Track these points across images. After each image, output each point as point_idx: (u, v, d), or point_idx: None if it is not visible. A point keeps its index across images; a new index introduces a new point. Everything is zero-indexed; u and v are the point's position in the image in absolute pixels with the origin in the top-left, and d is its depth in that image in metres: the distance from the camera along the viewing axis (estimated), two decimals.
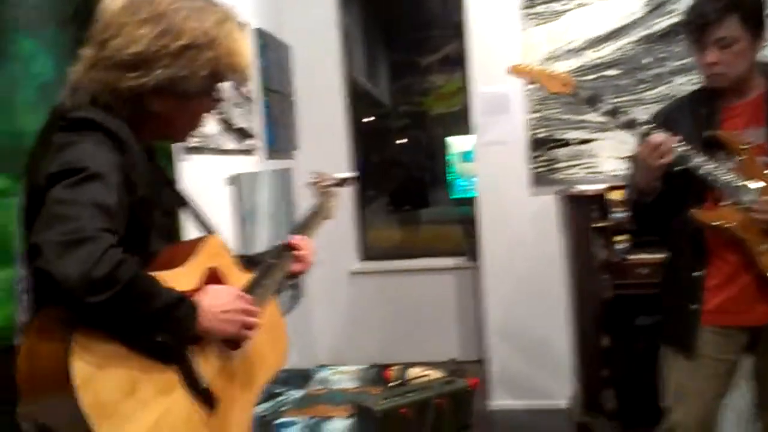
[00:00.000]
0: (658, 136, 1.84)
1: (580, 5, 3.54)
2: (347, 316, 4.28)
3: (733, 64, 1.87)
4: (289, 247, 1.69)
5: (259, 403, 2.17)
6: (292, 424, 1.98)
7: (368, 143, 5.25)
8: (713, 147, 1.91)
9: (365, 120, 5.22)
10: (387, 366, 2.25)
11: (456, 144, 4.65)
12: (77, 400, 1.04)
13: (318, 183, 1.98)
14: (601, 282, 3.05)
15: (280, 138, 3.59)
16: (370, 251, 4.46)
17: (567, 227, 3.45)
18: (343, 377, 2.38)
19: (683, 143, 1.86)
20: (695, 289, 1.94)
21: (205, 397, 1.29)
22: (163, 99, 1.29)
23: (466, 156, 4.50)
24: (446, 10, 4.84)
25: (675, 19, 3.35)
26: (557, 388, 3.64)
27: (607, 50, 3.52)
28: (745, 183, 1.86)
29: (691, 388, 1.96)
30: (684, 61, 3.39)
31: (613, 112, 1.94)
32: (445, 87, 6.06)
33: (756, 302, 1.91)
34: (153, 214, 1.30)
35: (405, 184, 6.15)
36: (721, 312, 1.93)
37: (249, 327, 1.33)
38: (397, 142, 6.32)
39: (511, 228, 3.69)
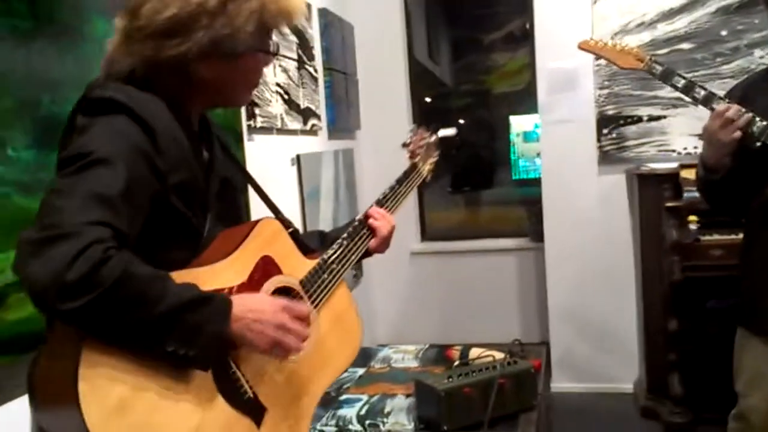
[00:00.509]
0: (725, 106, 1.76)
1: None
2: (407, 296, 4.29)
3: None
4: (367, 222, 1.49)
5: None
6: (357, 401, 2.00)
7: (430, 123, 5.23)
8: None
9: (427, 99, 5.19)
10: (448, 346, 2.24)
11: (519, 123, 4.57)
12: (84, 421, 0.92)
13: (413, 144, 1.71)
14: (670, 263, 2.96)
15: (342, 118, 3.60)
16: (430, 232, 4.44)
17: (637, 207, 3.35)
18: (404, 356, 2.38)
19: (760, 117, 1.76)
20: None
21: (250, 407, 1.14)
22: (210, 64, 1.15)
23: (529, 136, 4.42)
24: None
25: None
26: (622, 371, 3.56)
27: (681, 23, 3.37)
28: None
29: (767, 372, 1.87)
30: (763, 33, 3.22)
31: (689, 88, 1.86)
32: (509, 65, 5.94)
33: None
34: (195, 200, 1.15)
35: (465, 165, 6.10)
36: None
37: (285, 347, 1.12)
38: (460, 121, 6.26)
39: (577, 208, 3.61)
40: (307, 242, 1.39)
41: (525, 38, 4.06)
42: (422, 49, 5.04)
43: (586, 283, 3.62)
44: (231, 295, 1.11)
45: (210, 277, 1.10)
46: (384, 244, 1.53)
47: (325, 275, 1.33)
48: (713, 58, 3.33)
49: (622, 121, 3.48)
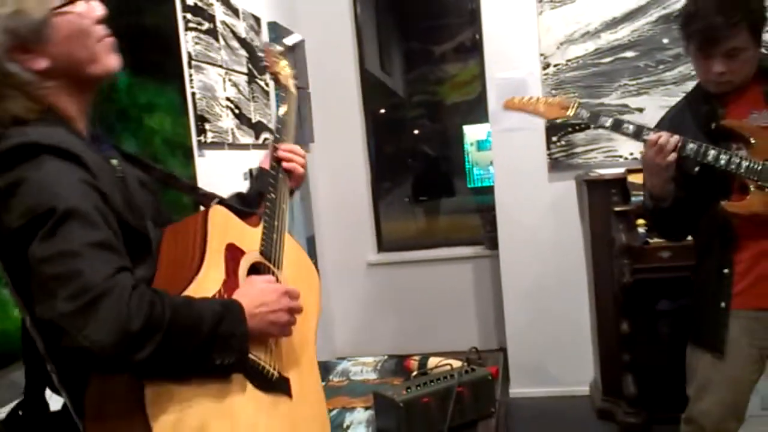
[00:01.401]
0: (656, 135, 1.83)
1: None
2: (365, 307, 4.28)
3: (739, 72, 1.86)
4: (281, 167, 1.51)
5: None
6: None
7: (384, 134, 5.24)
8: (722, 140, 1.88)
9: (381, 111, 5.21)
10: (407, 356, 2.24)
11: (472, 133, 4.63)
12: None
13: (269, 64, 1.70)
14: (620, 267, 3.02)
15: (295, 132, 3.58)
16: (386, 242, 4.45)
17: (587, 212, 3.42)
18: (363, 369, 2.37)
19: (690, 141, 1.85)
20: (723, 286, 1.91)
21: (279, 384, 1.23)
22: (29, 53, 1.07)
23: (483, 145, 4.48)
24: None
25: None
26: (578, 374, 3.62)
27: (624, 32, 3.47)
28: (765, 164, 1.83)
29: (719, 378, 1.92)
30: None
31: (618, 125, 1.92)
32: (460, 75, 6.02)
33: None
34: (134, 211, 1.14)
35: (421, 175, 6.14)
36: (753, 294, 1.89)
37: (292, 324, 1.25)
38: (414, 132, 6.30)
39: (530, 215, 3.66)
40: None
41: (475, 49, 4.13)
42: (374, 60, 5.07)
43: (541, 288, 3.67)
44: (221, 296, 1.15)
45: (200, 288, 1.13)
46: (302, 179, 1.57)
47: (274, 235, 1.37)
48: (656, 66, 3.44)
49: (570, 129, 3.56)
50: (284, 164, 1.52)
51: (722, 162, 1.83)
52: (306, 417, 1.32)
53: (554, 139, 3.59)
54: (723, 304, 1.91)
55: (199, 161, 2.42)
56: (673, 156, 1.82)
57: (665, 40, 3.42)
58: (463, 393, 1.75)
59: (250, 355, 1.16)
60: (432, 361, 2.03)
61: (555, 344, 3.67)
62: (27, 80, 1.07)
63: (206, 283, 1.14)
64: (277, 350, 1.27)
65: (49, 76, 1.09)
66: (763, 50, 1.93)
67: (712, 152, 1.84)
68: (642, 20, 3.42)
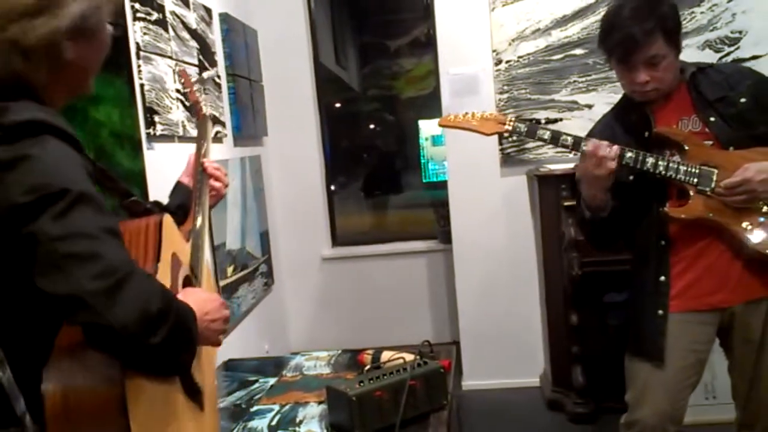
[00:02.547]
0: (595, 144, 1.85)
1: None
2: (319, 302, 4.27)
3: (663, 80, 1.89)
4: (208, 183, 1.58)
5: (232, 392, 2.16)
6: (268, 411, 1.97)
7: (339, 129, 5.23)
8: (655, 147, 1.92)
9: (337, 105, 5.19)
10: (361, 351, 2.25)
11: (428, 128, 4.65)
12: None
13: (191, 93, 1.77)
14: (570, 260, 3.09)
15: (248, 125, 3.54)
16: (341, 237, 4.45)
17: (538, 207, 3.47)
18: (316, 363, 2.37)
19: (628, 149, 1.87)
20: (661, 294, 1.94)
21: (197, 395, 1.26)
22: (79, 43, 1.09)
23: (438, 140, 4.51)
24: None
25: None
26: (529, 366, 3.69)
27: (574, 29, 3.53)
28: (702, 169, 1.88)
29: (657, 384, 1.95)
30: None
31: (556, 137, 1.93)
32: (415, 70, 6.04)
33: (723, 282, 1.92)
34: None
35: (376, 170, 6.15)
36: (689, 296, 1.93)
37: (225, 334, 1.29)
38: (370, 126, 6.30)
39: (482, 210, 3.71)
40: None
41: (430, 44, 4.14)
42: (329, 54, 5.04)
43: (493, 281, 3.72)
44: None
45: None
46: (221, 198, 1.68)
47: (199, 253, 1.43)
48: (604, 63, 3.47)
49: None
50: (211, 181, 1.58)
51: (660, 168, 1.87)
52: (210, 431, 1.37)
53: (506, 135, 3.63)
54: (661, 312, 1.93)
55: (148, 154, 2.37)
56: (612, 165, 1.84)
57: None
58: (415, 386, 1.76)
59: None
60: (385, 355, 2.05)
61: (507, 337, 3.72)
62: (63, 60, 1.09)
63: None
64: (198, 362, 1.28)
65: (71, 65, 1.10)
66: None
67: (650, 159, 1.87)
68: (591, 18, 3.49)
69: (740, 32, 3.43)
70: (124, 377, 1.00)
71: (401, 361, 1.89)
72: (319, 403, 1.96)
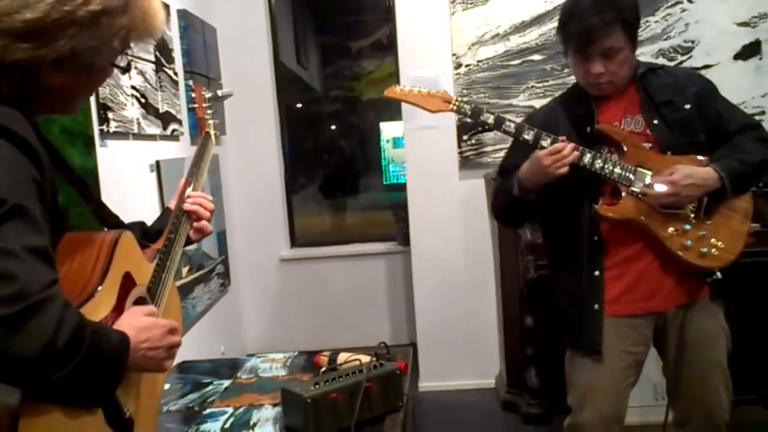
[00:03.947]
0: (561, 146, 1.86)
1: None
2: (277, 303, 4.24)
3: (618, 73, 1.91)
4: (187, 213, 1.51)
5: (185, 395, 2.13)
6: (221, 414, 1.94)
7: (299, 129, 5.20)
8: (595, 142, 1.94)
9: (296, 105, 5.16)
10: (317, 353, 2.24)
11: (389, 130, 4.66)
12: None
13: (198, 108, 1.74)
14: (526, 262, 3.12)
15: None
16: (300, 238, 4.42)
17: None
18: (272, 365, 2.35)
19: (585, 149, 1.90)
20: (597, 290, 1.95)
21: (126, 426, 1.18)
22: (63, 72, 1.07)
23: (399, 142, 4.52)
24: None
25: None
26: (485, 368, 3.72)
27: (533, 35, 3.59)
28: (637, 170, 1.91)
29: (599, 386, 1.98)
30: None
31: (498, 123, 1.93)
32: (377, 72, 6.06)
33: (657, 288, 1.95)
34: (61, 215, 1.13)
35: (336, 171, 6.13)
36: (624, 301, 1.96)
37: (171, 361, 1.22)
38: (332, 127, 6.29)
39: (441, 212, 3.73)
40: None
41: (391, 46, 4.15)
42: (289, 54, 5.01)
43: (451, 283, 3.75)
44: (109, 322, 1.12)
45: (94, 310, 1.08)
46: (205, 235, 1.57)
47: (163, 275, 1.35)
48: (561, 69, 3.57)
49: (480, 128, 3.65)
50: (197, 223, 1.53)
51: (597, 167, 1.89)
52: None
53: (465, 138, 3.67)
54: (597, 306, 1.95)
55: (101, 151, 2.31)
56: (566, 168, 1.85)
57: None
58: (371, 388, 1.76)
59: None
60: (341, 357, 2.04)
61: (463, 338, 3.75)
62: (42, 83, 1.07)
63: (99, 308, 1.11)
64: (133, 390, 1.23)
65: (50, 89, 1.08)
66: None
67: (587, 156, 1.88)
68: (549, 24, 3.54)
69: (693, 42, 3.53)
70: (20, 402, 0.93)
71: (357, 362, 1.88)
72: (274, 405, 1.94)
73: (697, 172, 1.88)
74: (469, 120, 1.99)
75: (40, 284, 0.91)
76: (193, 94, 1.72)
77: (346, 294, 4.22)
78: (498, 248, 3.48)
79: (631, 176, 1.91)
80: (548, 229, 2.14)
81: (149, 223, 1.53)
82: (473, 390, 3.69)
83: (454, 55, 3.64)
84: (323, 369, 1.93)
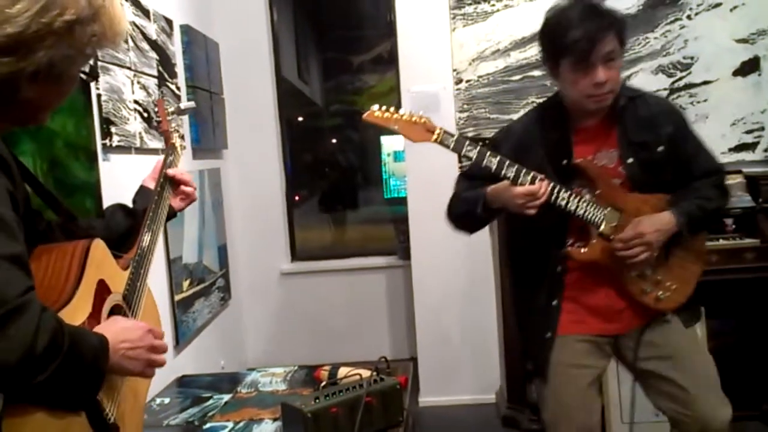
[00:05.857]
0: (537, 186, 1.83)
1: (507, 6, 3.62)
2: (277, 317, 4.24)
3: (616, 80, 1.90)
4: (163, 191, 1.54)
5: (185, 409, 2.12)
6: (221, 428, 1.94)
7: (301, 143, 5.21)
8: (569, 176, 1.94)
9: (297, 119, 5.18)
10: (317, 367, 2.24)
11: (390, 144, 4.68)
12: None
13: (163, 122, 1.76)
14: None
15: (208, 137, 3.51)
16: (300, 252, 4.42)
17: (495, 223, 3.51)
18: (272, 379, 2.35)
19: (560, 188, 1.89)
20: (551, 317, 1.97)
21: (110, 430, 1.19)
22: (38, 84, 1.07)
23: (400, 156, 4.53)
24: (379, 9, 4.86)
25: None
26: (486, 382, 3.71)
27: (533, 51, 3.60)
28: (607, 213, 1.92)
29: (568, 400, 1.98)
30: None
31: (480, 158, 1.89)
32: (378, 86, 6.09)
33: (615, 315, 1.98)
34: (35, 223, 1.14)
35: (337, 185, 6.15)
36: (573, 321, 1.97)
37: (155, 365, 1.23)
38: (332, 141, 6.31)
39: (442, 226, 3.66)
40: (111, 223, 1.46)
41: (392, 61, 4.17)
42: (291, 68, 5.04)
43: (451, 298, 3.74)
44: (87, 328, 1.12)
45: (70, 317, 1.09)
46: (192, 202, 1.64)
47: (138, 283, 1.37)
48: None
49: (480, 143, 3.65)
50: (182, 187, 1.58)
51: (570, 207, 1.89)
52: None
53: None
54: (549, 334, 1.97)
55: (103, 165, 2.33)
56: (534, 210, 1.84)
57: None
58: (371, 402, 1.76)
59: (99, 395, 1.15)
60: (342, 371, 2.04)
61: (464, 353, 3.74)
62: (18, 97, 1.07)
63: (75, 314, 1.13)
64: (118, 396, 1.23)
65: (26, 101, 1.09)
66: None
67: (561, 195, 1.87)
68: None
69: (692, 58, 3.55)
70: (3, 406, 0.95)
71: (358, 377, 1.88)
72: (274, 420, 1.94)
73: (660, 219, 1.91)
74: (451, 152, 1.95)
75: (17, 290, 0.93)
76: (156, 109, 1.75)
77: (347, 308, 4.21)
78: (498, 263, 3.48)
79: (601, 217, 1.92)
80: (515, 254, 2.17)
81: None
82: (473, 405, 3.68)
83: (454, 70, 3.66)
84: (323, 383, 1.93)
